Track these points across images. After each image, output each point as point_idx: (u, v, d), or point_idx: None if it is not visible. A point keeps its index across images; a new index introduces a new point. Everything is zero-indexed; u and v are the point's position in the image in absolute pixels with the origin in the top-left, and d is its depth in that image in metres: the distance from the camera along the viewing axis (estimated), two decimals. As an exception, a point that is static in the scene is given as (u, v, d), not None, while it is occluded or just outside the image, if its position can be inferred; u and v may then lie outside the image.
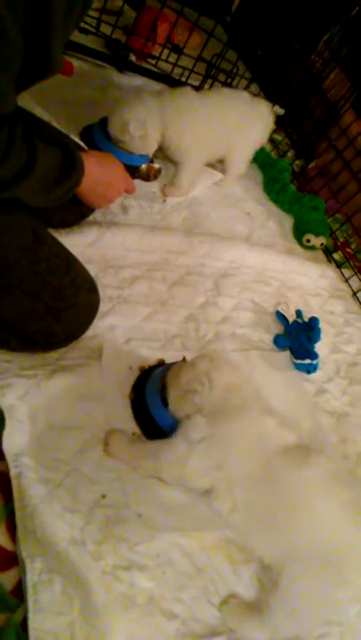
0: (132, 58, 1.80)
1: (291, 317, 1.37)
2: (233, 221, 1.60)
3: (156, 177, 1.50)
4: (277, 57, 2.18)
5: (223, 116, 1.48)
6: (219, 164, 1.65)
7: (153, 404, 0.95)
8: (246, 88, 1.88)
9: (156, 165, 1.49)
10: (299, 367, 1.29)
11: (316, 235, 1.67)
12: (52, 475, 0.85)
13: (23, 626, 0.71)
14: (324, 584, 0.78)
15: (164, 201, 1.49)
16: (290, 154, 2.10)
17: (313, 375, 1.30)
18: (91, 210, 1.21)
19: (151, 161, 1.48)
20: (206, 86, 1.91)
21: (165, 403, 0.93)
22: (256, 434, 0.84)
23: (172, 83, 1.81)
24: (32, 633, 0.70)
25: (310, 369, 1.29)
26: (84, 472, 0.88)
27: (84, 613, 0.74)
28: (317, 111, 2.06)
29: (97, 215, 1.29)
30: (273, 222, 1.71)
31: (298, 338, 1.31)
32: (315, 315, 1.41)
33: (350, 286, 1.66)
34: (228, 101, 1.50)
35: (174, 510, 0.90)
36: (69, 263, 0.96)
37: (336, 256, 1.77)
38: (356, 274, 1.70)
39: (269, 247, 1.60)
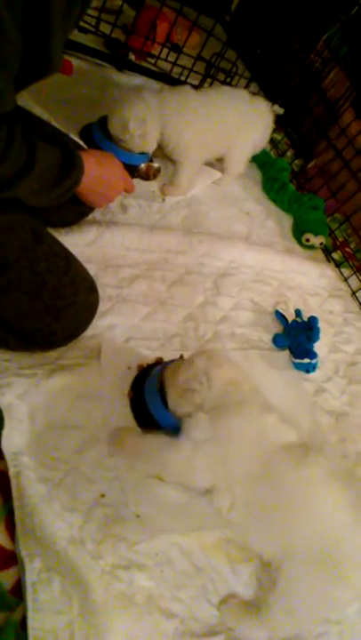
0: (132, 57, 1.80)
1: (290, 317, 1.38)
2: (232, 221, 1.60)
3: (155, 176, 1.50)
4: (277, 56, 2.18)
5: (222, 115, 1.48)
6: (217, 163, 1.65)
7: (152, 402, 0.95)
8: (246, 87, 1.88)
9: (156, 165, 1.49)
10: (298, 366, 1.29)
11: (316, 234, 1.67)
12: (51, 474, 0.85)
13: (22, 625, 0.71)
14: (323, 583, 0.78)
15: (164, 200, 1.49)
16: (289, 153, 2.10)
17: (312, 374, 1.30)
18: (90, 209, 1.21)
19: (151, 160, 1.48)
20: (206, 85, 1.91)
21: (165, 401, 0.93)
22: (256, 430, 0.84)
23: (172, 82, 1.81)
24: (31, 632, 0.70)
25: (309, 368, 1.29)
26: (84, 471, 0.88)
27: (83, 612, 0.74)
28: (317, 110, 2.06)
29: (96, 214, 1.29)
30: (272, 222, 1.71)
31: (297, 337, 1.31)
32: (314, 314, 1.41)
33: (349, 286, 1.67)
34: (227, 100, 1.50)
35: (173, 510, 0.90)
36: (69, 262, 0.96)
37: (335, 255, 1.77)
38: (355, 273, 1.69)
39: (269, 246, 1.59)
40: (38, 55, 0.71)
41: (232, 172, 1.65)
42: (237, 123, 1.52)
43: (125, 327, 1.13)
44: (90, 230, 1.22)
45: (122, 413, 0.98)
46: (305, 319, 1.39)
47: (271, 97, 1.95)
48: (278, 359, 1.29)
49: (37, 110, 1.40)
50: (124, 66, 1.80)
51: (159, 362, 1.07)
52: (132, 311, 1.17)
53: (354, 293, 1.65)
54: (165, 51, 1.80)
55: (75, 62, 1.67)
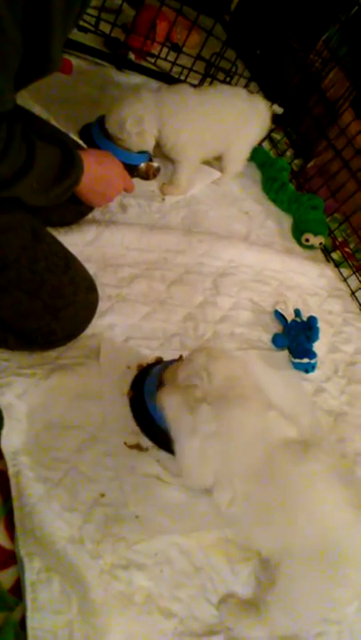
0: (132, 56, 1.80)
1: (289, 317, 1.38)
2: (232, 220, 1.60)
3: (155, 176, 1.50)
4: (276, 56, 2.18)
5: (220, 113, 1.47)
6: (216, 163, 1.65)
7: (152, 402, 0.95)
8: (245, 87, 1.88)
9: (155, 164, 1.49)
10: (297, 366, 1.29)
11: (315, 234, 1.67)
12: (50, 473, 0.85)
13: (22, 624, 0.71)
14: (322, 582, 0.77)
15: (163, 200, 1.49)
16: (289, 153, 2.10)
17: (311, 374, 1.31)
18: (90, 208, 1.21)
19: (151, 160, 1.48)
20: (205, 85, 1.91)
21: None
22: (257, 424, 0.84)
23: (171, 81, 1.81)
24: (30, 632, 0.70)
25: (309, 368, 1.29)
26: (83, 471, 0.88)
27: (83, 612, 0.74)
28: (316, 110, 2.06)
29: (96, 214, 1.29)
30: (272, 221, 1.71)
31: (296, 337, 1.31)
32: (313, 314, 1.41)
33: (349, 285, 1.67)
34: (225, 98, 1.49)
35: (172, 510, 0.90)
36: (68, 262, 0.96)
37: (335, 255, 1.77)
38: (354, 273, 1.70)
39: (268, 246, 1.59)
40: (38, 54, 0.71)
41: (231, 171, 1.65)
42: (236, 121, 1.51)
43: (125, 327, 1.13)
44: (89, 230, 1.22)
45: (121, 413, 0.98)
46: (304, 319, 1.39)
47: (271, 97, 1.94)
48: (278, 359, 1.29)
49: (37, 109, 1.40)
50: (123, 65, 1.80)
51: (159, 361, 1.07)
52: (131, 311, 1.17)
53: (353, 293, 1.65)
54: (165, 50, 1.81)
55: (74, 61, 1.67)
